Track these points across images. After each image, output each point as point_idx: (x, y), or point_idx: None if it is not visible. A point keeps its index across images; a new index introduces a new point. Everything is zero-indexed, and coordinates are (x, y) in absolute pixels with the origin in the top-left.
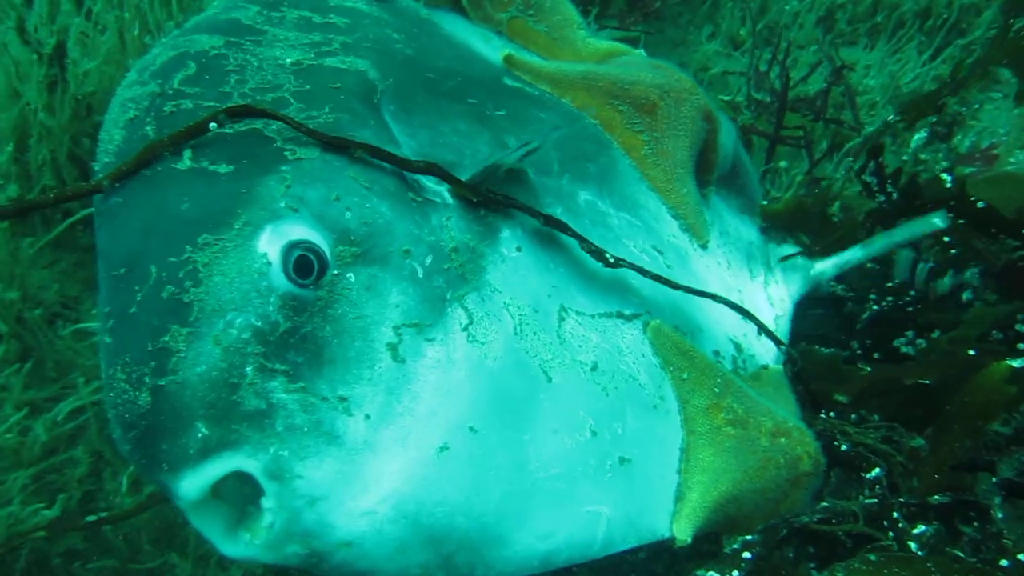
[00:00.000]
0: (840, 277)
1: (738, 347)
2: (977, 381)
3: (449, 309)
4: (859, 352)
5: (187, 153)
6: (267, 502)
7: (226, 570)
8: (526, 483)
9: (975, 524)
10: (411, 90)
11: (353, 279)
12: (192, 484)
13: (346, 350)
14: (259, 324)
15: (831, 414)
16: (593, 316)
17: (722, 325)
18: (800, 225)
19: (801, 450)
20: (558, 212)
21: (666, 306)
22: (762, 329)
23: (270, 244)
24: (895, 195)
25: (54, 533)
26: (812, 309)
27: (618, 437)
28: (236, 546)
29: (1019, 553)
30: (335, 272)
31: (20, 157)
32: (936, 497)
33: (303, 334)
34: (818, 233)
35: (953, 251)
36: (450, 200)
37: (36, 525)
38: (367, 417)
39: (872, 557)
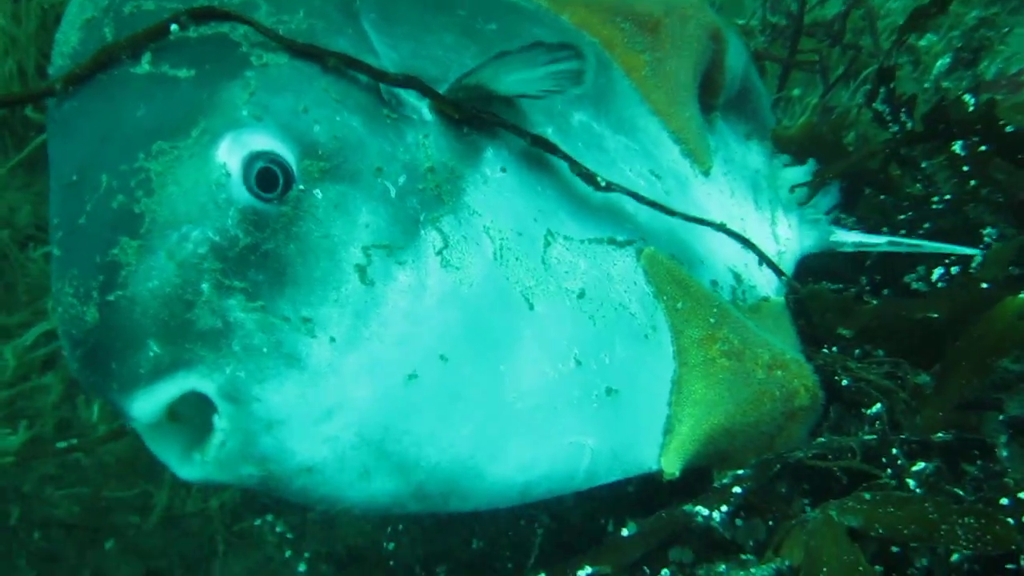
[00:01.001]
0: (851, 210)
1: (738, 278)
2: (988, 316)
3: (422, 231)
4: (868, 288)
5: (146, 57)
6: (220, 422)
7: (205, 501)
8: (503, 414)
9: (978, 463)
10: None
11: (320, 196)
12: (144, 406)
13: (311, 270)
14: (217, 238)
15: (833, 349)
16: (583, 241)
17: (721, 255)
18: (813, 152)
19: (798, 383)
20: (548, 132)
21: (662, 234)
22: (762, 259)
23: (230, 154)
24: (909, 124)
25: (24, 459)
26: None
27: (605, 367)
28: (190, 467)
29: (1020, 491)
30: (301, 187)
31: None
32: (940, 435)
33: (265, 251)
34: (831, 162)
35: (972, 182)
36: (429, 117)
37: (5, 450)
38: (332, 340)
39: (867, 496)
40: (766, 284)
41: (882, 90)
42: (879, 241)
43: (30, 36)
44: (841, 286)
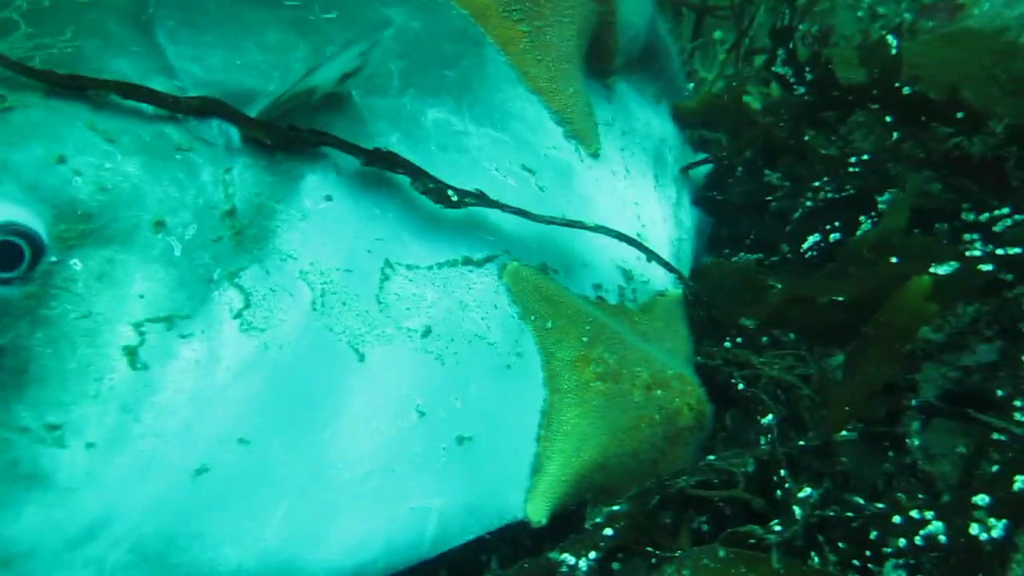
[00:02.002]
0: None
1: (628, 275)
2: (895, 300)
3: (216, 292)
4: (789, 256)
5: None
6: None
7: None
8: (324, 491)
9: (890, 455)
10: None
11: (80, 267)
12: None
13: (64, 362)
14: None
15: (738, 340)
16: (430, 268)
17: (608, 250)
18: (716, 124)
19: (680, 402)
20: (393, 140)
21: (532, 240)
22: (650, 255)
23: None
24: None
25: None
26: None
27: (455, 413)
28: None
29: (912, 509)
30: (54, 259)
31: None
32: (844, 432)
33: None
34: (736, 132)
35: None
36: (237, 143)
37: None
38: (89, 446)
39: (722, 553)
40: (664, 275)
41: (780, 52)
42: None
43: None
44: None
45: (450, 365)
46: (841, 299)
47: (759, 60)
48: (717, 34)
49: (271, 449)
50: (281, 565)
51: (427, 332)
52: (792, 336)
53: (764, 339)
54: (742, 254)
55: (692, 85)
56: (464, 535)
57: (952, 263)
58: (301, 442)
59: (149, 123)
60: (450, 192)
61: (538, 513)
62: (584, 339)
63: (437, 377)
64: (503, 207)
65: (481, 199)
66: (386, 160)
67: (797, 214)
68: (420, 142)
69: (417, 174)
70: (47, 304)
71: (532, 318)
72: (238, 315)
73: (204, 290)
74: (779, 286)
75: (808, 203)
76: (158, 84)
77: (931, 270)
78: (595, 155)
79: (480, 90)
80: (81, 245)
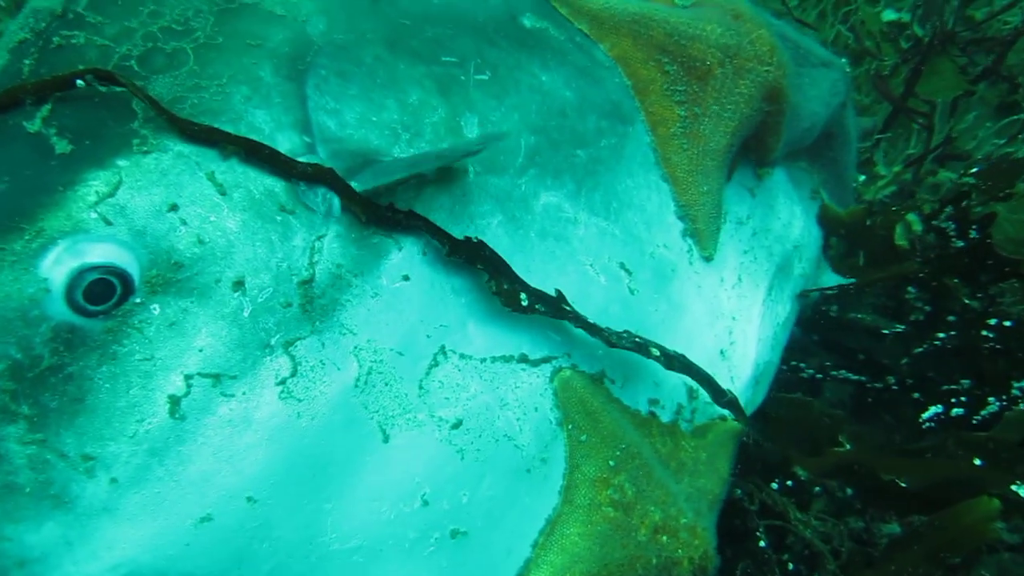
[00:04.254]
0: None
1: (692, 393)
2: (959, 512)
3: (268, 358)
4: (894, 387)
5: (43, 111)
6: None
7: None
8: (310, 557)
9: None
10: (364, 45)
11: (157, 312)
12: None
13: (116, 398)
14: (18, 356)
15: (788, 484)
16: (484, 360)
17: None
18: (860, 243)
19: (683, 554)
20: (494, 224)
21: (597, 346)
22: (704, 385)
23: (56, 264)
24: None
25: None
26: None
27: (459, 507)
28: None
29: None
30: (138, 300)
31: None
32: None
33: (69, 374)
34: (876, 259)
35: None
36: (337, 211)
37: None
38: (113, 481)
39: None
40: (736, 395)
41: (948, 208)
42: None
43: None
44: (820, 406)
45: (469, 460)
46: (903, 485)
47: (940, 175)
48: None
49: (275, 510)
50: None
51: (457, 424)
52: (849, 491)
53: (817, 488)
54: (843, 372)
55: (863, 178)
56: None
57: None
58: (304, 508)
59: (263, 179)
60: (522, 296)
61: None
62: (611, 463)
63: (452, 470)
64: (572, 319)
65: (551, 308)
66: (470, 251)
67: (919, 349)
68: (522, 227)
69: (496, 271)
70: (120, 341)
71: (570, 427)
72: (282, 382)
73: (258, 353)
74: (848, 447)
75: (936, 342)
76: (288, 139)
77: (1012, 487)
78: (708, 259)
79: (609, 174)
80: (164, 292)
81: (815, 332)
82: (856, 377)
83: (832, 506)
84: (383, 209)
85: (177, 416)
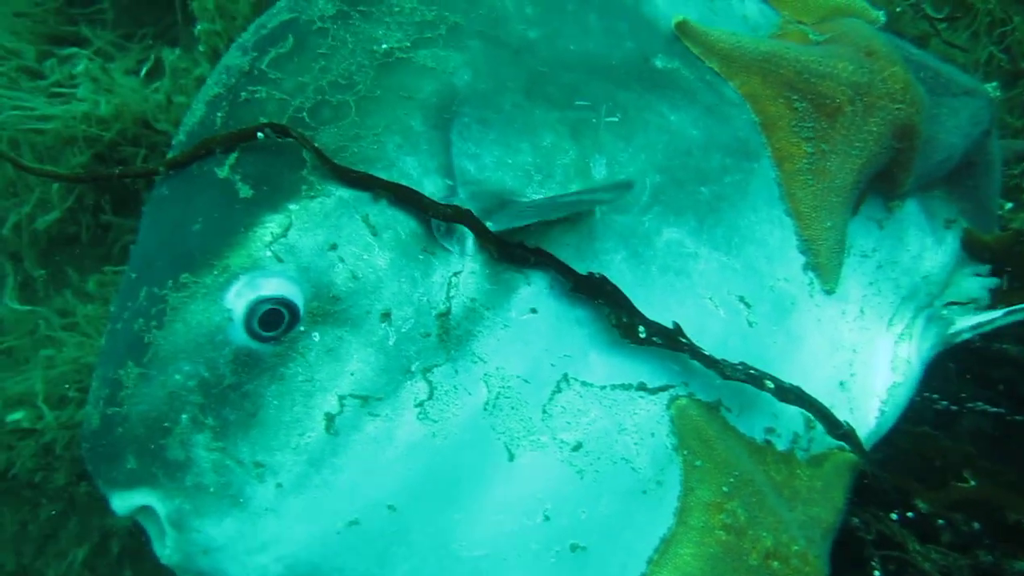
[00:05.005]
0: None
1: (809, 423)
2: None
3: (409, 382)
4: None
5: (231, 159)
6: (168, 539)
7: None
8: (442, 560)
9: None
10: (504, 93)
11: (317, 339)
12: (119, 504)
13: (282, 413)
14: (206, 375)
15: (909, 515)
16: (603, 388)
17: None
18: (1013, 267)
19: None
20: (618, 259)
21: (714, 375)
22: (819, 417)
23: (239, 297)
24: None
25: None
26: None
27: (578, 523)
28: (160, 551)
29: None
30: (302, 329)
31: None
32: None
33: (246, 391)
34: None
35: None
36: (470, 250)
37: None
38: (279, 486)
39: None
40: (856, 426)
41: None
42: (994, 315)
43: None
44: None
45: (588, 480)
46: None
47: None
48: None
49: (411, 518)
50: None
51: (578, 447)
52: (977, 526)
53: (941, 521)
54: (980, 403)
55: (1010, 205)
56: None
57: None
58: (437, 517)
59: (409, 222)
60: (640, 329)
61: None
62: (724, 488)
63: (572, 488)
64: (688, 351)
65: (667, 340)
66: (593, 287)
67: None
68: (644, 262)
69: (616, 305)
70: (286, 364)
71: (685, 453)
72: (420, 404)
73: (400, 378)
74: (973, 483)
75: None
76: (432, 182)
77: None
78: (829, 292)
79: (732, 210)
80: (324, 322)
81: (954, 362)
82: (995, 409)
83: (958, 541)
84: (514, 248)
85: (331, 432)
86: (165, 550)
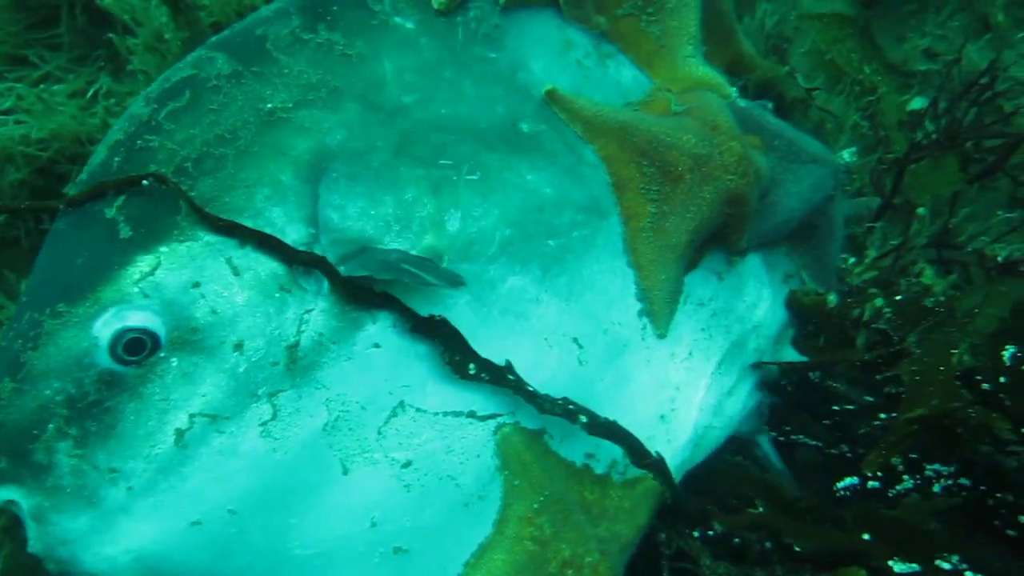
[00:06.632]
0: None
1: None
2: None
3: (255, 404)
4: (848, 454)
5: (119, 201)
6: (29, 531)
7: None
8: (277, 556)
9: None
10: (374, 151)
11: (175, 364)
12: None
13: (137, 427)
14: (73, 391)
15: (709, 533)
16: (436, 414)
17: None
18: (820, 329)
19: None
20: (462, 302)
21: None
22: (626, 449)
23: (106, 326)
24: None
25: None
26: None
27: (403, 529)
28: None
29: None
30: (162, 355)
31: None
32: None
33: (107, 407)
34: (833, 343)
35: None
36: (325, 290)
37: None
38: (129, 489)
39: None
40: (671, 456)
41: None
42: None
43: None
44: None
45: (415, 493)
46: (798, 549)
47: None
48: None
49: (250, 520)
50: None
51: (407, 464)
52: (769, 545)
53: (736, 540)
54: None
55: (853, 260)
56: None
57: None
58: (274, 520)
59: (270, 264)
60: (471, 366)
61: None
62: (535, 505)
63: (399, 500)
64: (514, 387)
65: (494, 376)
66: (431, 327)
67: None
68: (486, 306)
69: (449, 345)
70: (145, 385)
71: (506, 473)
72: (263, 424)
73: (247, 400)
74: (760, 510)
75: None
76: (296, 230)
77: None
78: (661, 336)
79: (575, 261)
80: (182, 349)
81: (790, 397)
82: (814, 443)
83: (760, 559)
84: (361, 291)
85: (180, 444)
86: (29, 540)
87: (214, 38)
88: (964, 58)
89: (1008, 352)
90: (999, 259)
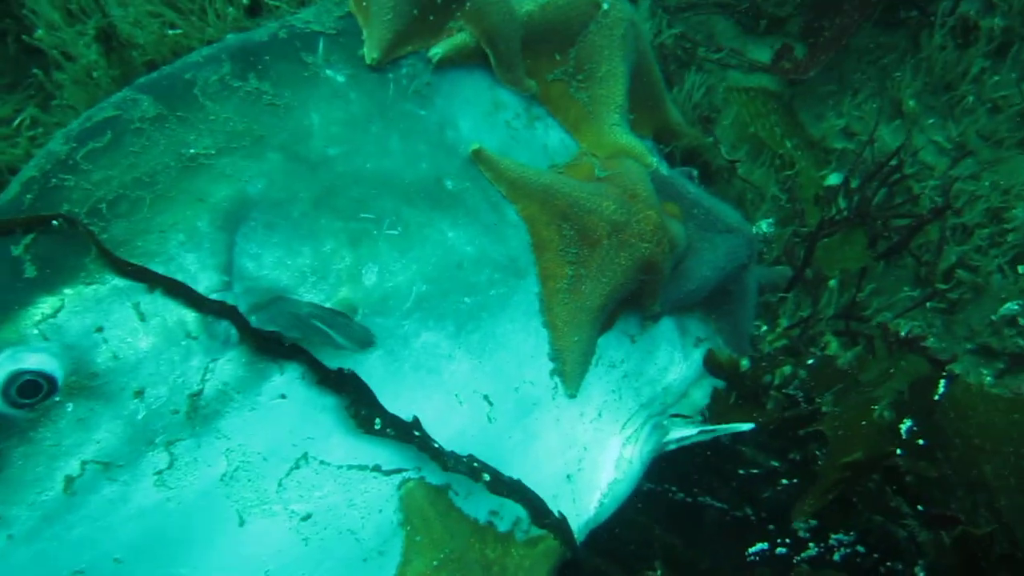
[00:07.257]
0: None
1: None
2: None
3: (151, 453)
4: (752, 517)
5: (27, 239)
6: None
7: None
8: None
9: None
10: (294, 202)
11: (70, 409)
12: None
13: (25, 473)
14: None
15: None
16: (340, 467)
17: (529, 482)
18: (733, 388)
19: None
20: (373, 356)
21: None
22: (528, 508)
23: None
24: None
25: None
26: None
27: None
28: None
29: None
30: (58, 399)
31: None
32: None
33: None
34: (744, 404)
35: None
36: (234, 340)
37: None
38: (9, 537)
39: None
40: (575, 515)
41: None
42: (693, 432)
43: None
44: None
45: (313, 547)
46: None
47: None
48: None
49: (136, 570)
50: None
51: (307, 517)
52: None
53: None
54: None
55: (765, 327)
56: None
57: None
58: (162, 571)
59: (179, 311)
60: (376, 421)
61: None
62: (435, 562)
63: (296, 553)
64: (419, 443)
65: (400, 432)
66: (338, 382)
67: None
68: (397, 360)
69: (356, 399)
70: (36, 429)
71: (408, 528)
72: (158, 473)
73: (143, 448)
74: (659, 572)
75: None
76: (208, 277)
77: None
78: (571, 396)
79: (490, 320)
80: (79, 394)
81: (705, 457)
82: (719, 505)
83: None
84: (269, 342)
85: (69, 492)
86: None
87: (142, 79)
88: (878, 140)
89: (904, 426)
90: (901, 334)
